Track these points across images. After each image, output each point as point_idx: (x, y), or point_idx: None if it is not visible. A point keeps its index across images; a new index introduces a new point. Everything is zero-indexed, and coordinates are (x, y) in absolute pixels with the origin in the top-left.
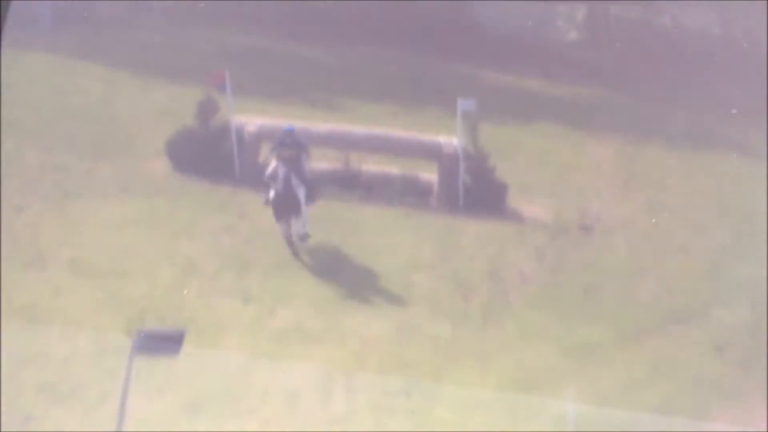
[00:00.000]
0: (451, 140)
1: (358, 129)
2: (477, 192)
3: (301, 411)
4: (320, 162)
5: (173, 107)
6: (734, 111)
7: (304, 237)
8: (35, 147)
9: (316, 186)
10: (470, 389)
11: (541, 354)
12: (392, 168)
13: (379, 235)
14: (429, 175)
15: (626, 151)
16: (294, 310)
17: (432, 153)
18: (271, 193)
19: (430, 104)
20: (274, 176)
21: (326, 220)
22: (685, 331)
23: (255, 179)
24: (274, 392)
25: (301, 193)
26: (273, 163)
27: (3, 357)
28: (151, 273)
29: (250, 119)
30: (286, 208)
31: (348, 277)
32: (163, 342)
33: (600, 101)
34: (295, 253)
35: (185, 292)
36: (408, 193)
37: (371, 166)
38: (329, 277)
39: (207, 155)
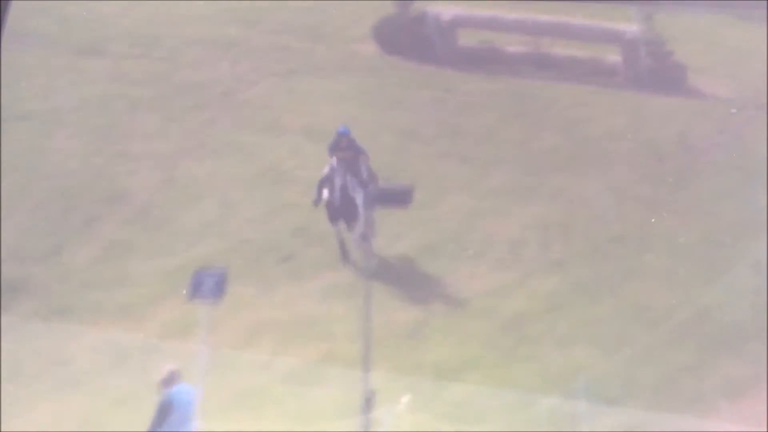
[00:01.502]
0: (631, 27)
1: (545, 17)
2: (659, 72)
3: (522, 256)
4: (513, 46)
5: None
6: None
7: (365, 236)
8: (261, 30)
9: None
10: (676, 236)
11: (731, 212)
12: (579, 51)
13: (573, 109)
14: (614, 57)
15: None
16: (506, 170)
17: (614, 38)
18: (325, 194)
19: None
20: (329, 179)
21: (520, 96)
22: None
23: (454, 60)
24: (496, 239)
25: (359, 197)
26: (328, 166)
27: None
28: (375, 139)
29: (446, 8)
30: (342, 211)
31: (548, 144)
32: (395, 195)
33: None
34: (345, 258)
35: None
36: (596, 74)
37: (560, 49)
38: (531, 143)
39: (409, 39)
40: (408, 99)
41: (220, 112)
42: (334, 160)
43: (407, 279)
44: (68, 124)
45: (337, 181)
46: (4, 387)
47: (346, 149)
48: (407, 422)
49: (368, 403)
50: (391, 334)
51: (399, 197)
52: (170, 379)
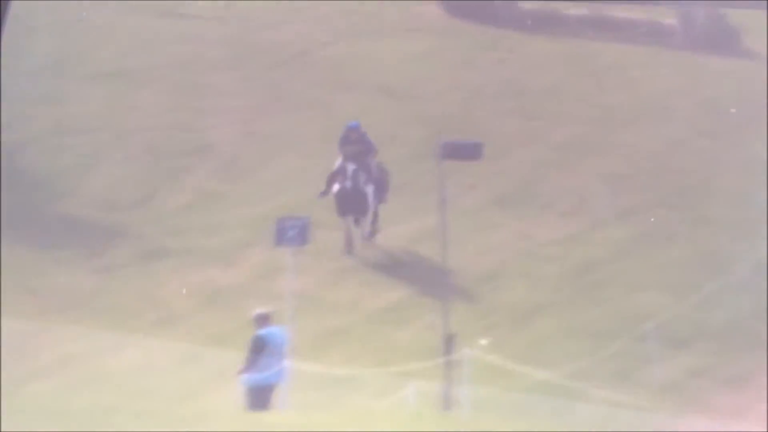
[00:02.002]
0: None
1: None
2: (714, 34)
3: (589, 207)
4: (573, 9)
5: None
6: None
7: (371, 234)
8: None
9: (385, 184)
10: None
11: None
12: (638, 14)
13: (633, 69)
14: (670, 20)
15: None
16: (570, 126)
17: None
18: (336, 187)
19: None
20: (341, 172)
21: (581, 56)
22: None
23: (516, 23)
24: (564, 190)
25: (370, 191)
26: (339, 159)
27: None
28: (444, 97)
29: None
30: (352, 205)
31: (610, 101)
32: (466, 150)
33: None
34: (350, 252)
35: None
36: (653, 35)
37: (619, 12)
38: (594, 100)
39: (473, 2)
40: (473, 59)
41: (295, 71)
42: (341, 157)
43: (481, 228)
44: (151, 83)
45: (348, 175)
46: (105, 323)
47: (355, 143)
48: (486, 363)
49: (448, 343)
50: (467, 280)
51: (470, 151)
52: (262, 320)
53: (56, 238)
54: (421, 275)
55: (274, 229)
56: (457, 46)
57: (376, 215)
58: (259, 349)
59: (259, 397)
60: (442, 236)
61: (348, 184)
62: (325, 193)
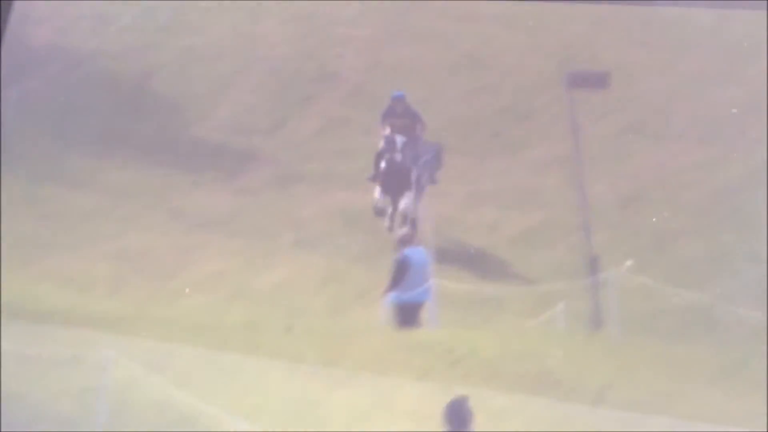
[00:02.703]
0: None
1: None
2: None
3: (724, 133)
4: None
5: None
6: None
7: (412, 222)
8: None
9: (437, 162)
10: None
11: None
12: None
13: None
14: None
15: None
16: (699, 56)
17: None
18: (383, 165)
19: None
20: (389, 147)
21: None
22: None
23: None
24: (697, 117)
25: (415, 170)
26: (385, 134)
27: None
28: (567, 28)
29: None
30: (398, 182)
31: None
32: (593, 78)
33: None
34: (380, 212)
35: None
36: None
37: None
38: (722, 32)
39: None
40: None
41: (418, 2)
42: (387, 130)
43: (616, 155)
44: (274, 12)
45: (397, 148)
46: (248, 242)
47: (402, 116)
48: (632, 284)
49: (593, 265)
50: (606, 204)
51: (597, 80)
52: (405, 241)
53: (193, 162)
54: (559, 200)
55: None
56: None
57: (413, 204)
58: (404, 268)
59: (408, 315)
60: (577, 162)
61: (398, 157)
62: (376, 176)
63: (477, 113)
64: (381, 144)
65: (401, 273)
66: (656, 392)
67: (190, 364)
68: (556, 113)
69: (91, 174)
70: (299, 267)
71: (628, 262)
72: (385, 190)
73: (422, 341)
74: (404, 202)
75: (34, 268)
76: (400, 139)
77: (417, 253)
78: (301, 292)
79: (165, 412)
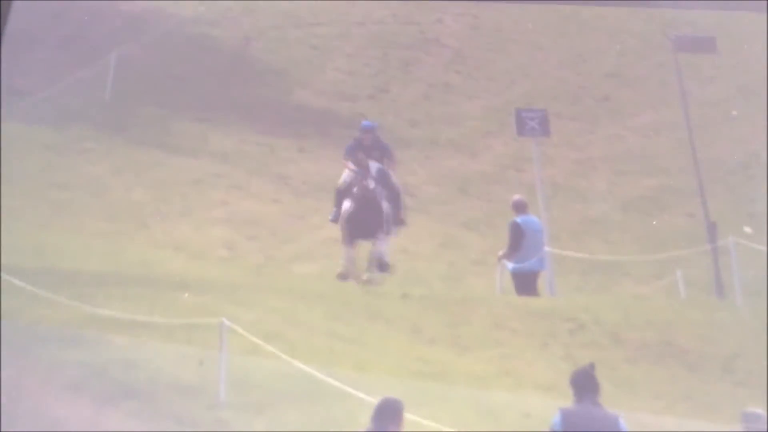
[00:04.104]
0: None
1: None
2: None
3: None
4: None
5: None
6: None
7: (385, 266)
8: None
9: (399, 202)
10: None
11: None
12: None
13: None
14: None
15: None
16: None
17: None
18: (346, 205)
19: None
20: (355, 183)
21: None
22: None
23: None
24: None
25: (386, 208)
26: (348, 170)
27: None
28: None
29: None
30: (366, 223)
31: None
32: (699, 43)
33: None
34: (344, 277)
35: None
36: None
37: None
38: None
39: None
40: None
41: None
42: (351, 166)
43: (726, 119)
44: None
45: (359, 191)
46: None
47: (370, 149)
48: (752, 250)
49: (712, 230)
50: (720, 169)
51: (704, 44)
52: (520, 207)
53: (297, 128)
54: (673, 164)
55: (513, 120)
56: None
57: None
58: (518, 234)
59: (525, 282)
60: (687, 127)
61: (362, 195)
62: (336, 216)
63: (583, 77)
64: (343, 178)
65: (517, 238)
66: None
67: (307, 333)
68: (663, 78)
69: (195, 140)
70: (414, 233)
71: (747, 229)
72: (353, 236)
73: (542, 309)
74: (379, 245)
75: (146, 234)
76: (362, 182)
77: (531, 220)
78: (418, 258)
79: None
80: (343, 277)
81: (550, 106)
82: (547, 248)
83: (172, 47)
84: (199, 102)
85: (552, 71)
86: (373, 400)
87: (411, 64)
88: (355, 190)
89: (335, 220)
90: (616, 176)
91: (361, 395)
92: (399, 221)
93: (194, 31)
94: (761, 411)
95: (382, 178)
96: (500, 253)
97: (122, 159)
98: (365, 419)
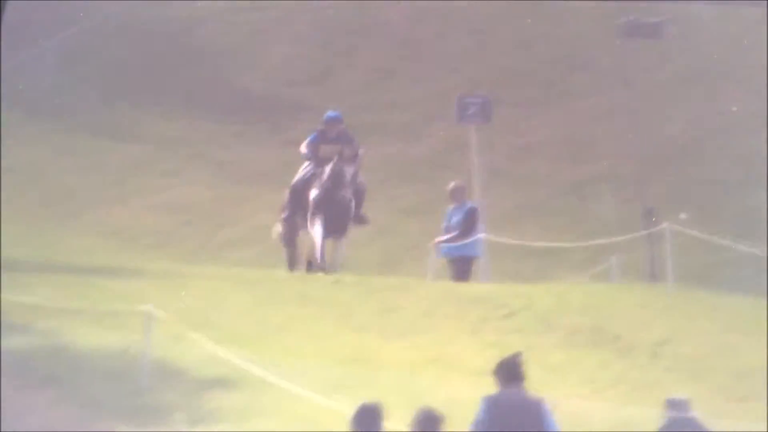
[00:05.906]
0: None
1: None
2: None
3: None
4: None
5: None
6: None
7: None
8: None
9: (361, 200)
10: None
11: None
12: None
13: None
14: None
15: None
16: None
17: None
18: (313, 193)
19: None
20: (317, 177)
21: None
22: None
23: None
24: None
25: (351, 204)
26: (307, 164)
27: None
28: None
29: None
30: (330, 218)
31: None
32: (646, 28)
33: None
34: (310, 268)
35: None
36: None
37: None
38: None
39: None
40: None
41: None
42: (313, 159)
43: (671, 102)
44: None
45: (327, 175)
46: None
47: (335, 142)
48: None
49: (648, 217)
50: (660, 154)
51: (651, 30)
52: (456, 193)
53: (237, 113)
54: (612, 151)
55: (454, 106)
56: None
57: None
58: (475, 219)
59: (460, 268)
60: (627, 112)
61: (329, 186)
62: (290, 215)
63: (526, 63)
64: (299, 174)
65: (474, 224)
66: (715, 345)
67: (235, 319)
68: (608, 64)
69: (133, 126)
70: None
71: (683, 215)
72: (328, 234)
73: (475, 295)
74: (340, 244)
75: (79, 220)
76: (330, 165)
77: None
78: (352, 245)
79: (208, 369)
80: (310, 266)
81: (494, 92)
82: (482, 234)
83: (112, 32)
84: (137, 87)
85: (498, 57)
86: (299, 388)
87: (354, 50)
88: (316, 188)
89: (288, 219)
90: (555, 162)
91: (285, 384)
92: (360, 219)
93: (134, 16)
94: (684, 397)
95: (346, 176)
96: (440, 238)
97: (59, 144)
98: (287, 405)
